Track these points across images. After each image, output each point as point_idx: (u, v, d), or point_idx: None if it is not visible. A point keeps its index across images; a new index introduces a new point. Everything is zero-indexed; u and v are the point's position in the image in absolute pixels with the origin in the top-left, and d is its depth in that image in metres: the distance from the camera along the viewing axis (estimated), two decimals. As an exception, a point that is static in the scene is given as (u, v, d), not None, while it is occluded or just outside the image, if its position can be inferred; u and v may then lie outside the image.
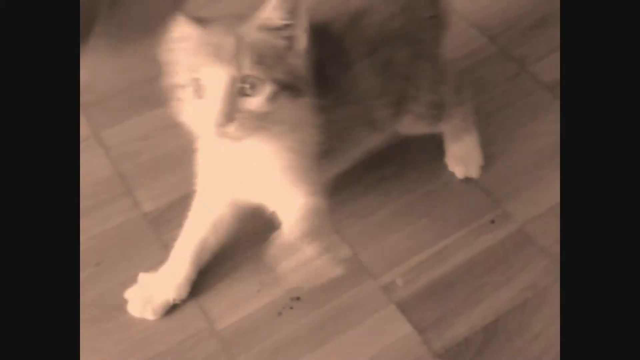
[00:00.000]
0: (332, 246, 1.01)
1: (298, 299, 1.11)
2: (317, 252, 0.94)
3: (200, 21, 0.92)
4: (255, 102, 0.89)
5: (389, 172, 1.27)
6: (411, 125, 1.18)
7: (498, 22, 1.52)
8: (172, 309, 1.11)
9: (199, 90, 0.89)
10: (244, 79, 0.88)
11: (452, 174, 1.26)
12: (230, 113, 0.88)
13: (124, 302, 1.11)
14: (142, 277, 1.12)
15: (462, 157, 1.26)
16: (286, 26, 0.90)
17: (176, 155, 1.24)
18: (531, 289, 1.11)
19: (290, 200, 1.04)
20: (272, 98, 0.90)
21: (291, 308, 1.10)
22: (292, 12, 0.90)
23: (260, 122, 0.91)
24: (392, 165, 1.27)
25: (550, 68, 1.43)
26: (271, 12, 0.90)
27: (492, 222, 1.20)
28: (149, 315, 1.10)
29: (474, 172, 1.26)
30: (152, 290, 1.11)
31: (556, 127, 1.29)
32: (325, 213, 1.04)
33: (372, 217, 1.22)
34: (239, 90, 0.88)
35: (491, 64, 1.44)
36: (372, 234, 1.19)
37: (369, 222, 1.21)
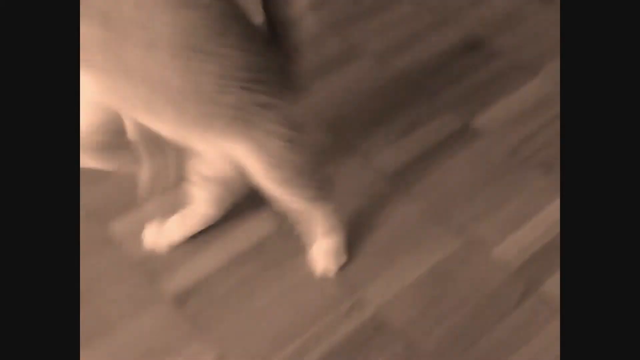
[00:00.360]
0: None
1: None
2: None
3: None
4: None
5: (249, 271, 1.34)
6: (290, 186, 1.17)
7: (340, 118, 1.64)
8: None
9: None
10: None
11: (312, 267, 1.35)
12: None
13: None
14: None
15: (326, 254, 1.34)
16: None
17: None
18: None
19: None
20: None
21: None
22: None
23: None
24: (252, 264, 1.35)
25: (391, 160, 1.54)
26: None
27: (350, 310, 1.29)
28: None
29: (335, 267, 1.34)
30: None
31: (399, 215, 1.43)
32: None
33: (236, 316, 1.28)
34: None
35: (334, 158, 1.54)
36: (239, 334, 1.25)
37: (234, 322, 1.27)
